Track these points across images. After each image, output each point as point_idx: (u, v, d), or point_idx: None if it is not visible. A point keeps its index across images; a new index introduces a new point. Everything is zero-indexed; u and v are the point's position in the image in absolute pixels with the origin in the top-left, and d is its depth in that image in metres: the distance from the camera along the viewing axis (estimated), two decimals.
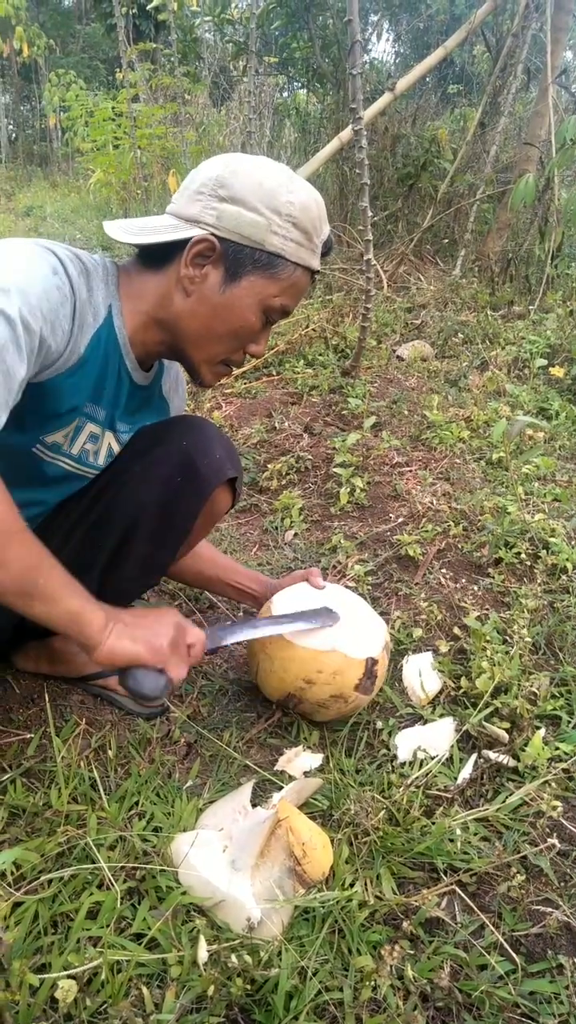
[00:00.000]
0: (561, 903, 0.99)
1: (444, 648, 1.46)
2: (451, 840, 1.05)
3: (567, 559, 1.69)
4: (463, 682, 1.36)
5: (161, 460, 1.14)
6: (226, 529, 2.01)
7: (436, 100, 6.38)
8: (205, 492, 1.17)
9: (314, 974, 0.86)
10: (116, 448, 1.14)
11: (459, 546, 1.84)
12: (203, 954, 0.84)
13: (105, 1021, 0.79)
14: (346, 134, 3.52)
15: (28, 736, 1.19)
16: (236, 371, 2.92)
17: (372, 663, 1.21)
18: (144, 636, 0.94)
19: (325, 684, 1.19)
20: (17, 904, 0.91)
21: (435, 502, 2.02)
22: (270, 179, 0.96)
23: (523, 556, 1.73)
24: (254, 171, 0.96)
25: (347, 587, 1.61)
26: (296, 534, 1.97)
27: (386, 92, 3.81)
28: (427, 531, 1.88)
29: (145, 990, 0.82)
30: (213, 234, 0.96)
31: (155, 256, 1.01)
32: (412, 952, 0.91)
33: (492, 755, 1.22)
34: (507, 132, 4.93)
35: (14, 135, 14.17)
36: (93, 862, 0.96)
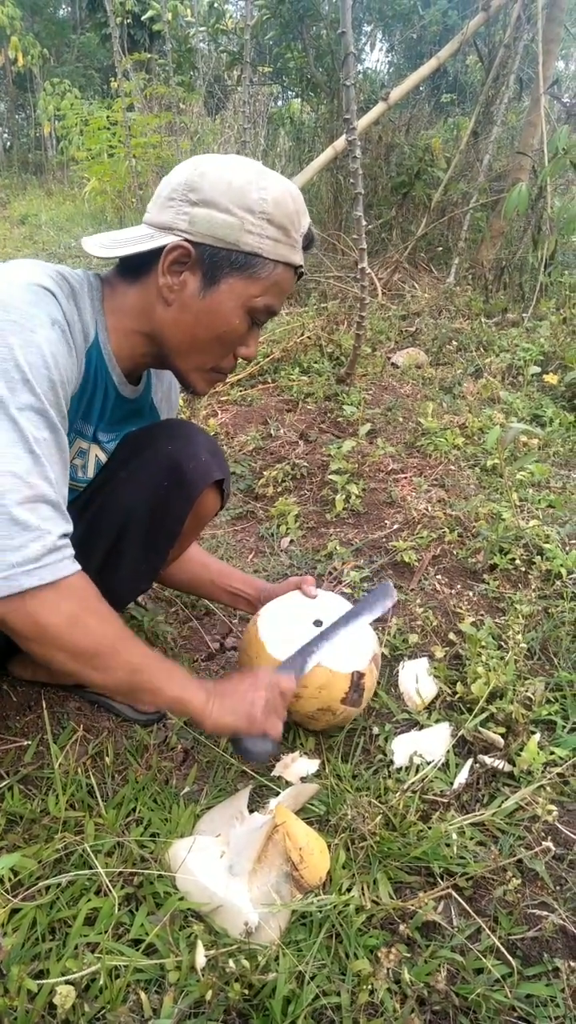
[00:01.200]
0: (557, 907, 0.99)
1: (440, 654, 1.47)
2: (447, 845, 1.06)
3: (561, 565, 1.70)
4: (459, 687, 1.37)
5: (147, 465, 1.14)
6: (222, 536, 2.01)
7: (429, 109, 6.42)
8: (192, 495, 1.17)
9: (312, 978, 0.87)
10: (103, 459, 1.15)
11: (454, 552, 1.85)
12: (201, 959, 0.84)
13: None
14: (340, 143, 3.55)
15: (25, 743, 1.20)
16: (231, 378, 2.94)
17: (358, 676, 1.21)
18: (241, 709, 1.03)
19: (311, 698, 1.20)
20: (15, 910, 0.91)
21: (430, 508, 2.03)
22: (239, 177, 0.94)
23: (518, 562, 1.74)
24: (223, 171, 0.94)
25: (343, 594, 1.62)
26: (292, 541, 1.98)
27: (380, 102, 3.84)
28: (422, 537, 1.89)
29: (143, 995, 0.82)
30: (187, 240, 0.94)
31: (133, 268, 1.00)
32: (409, 956, 0.92)
33: (488, 760, 1.23)
34: (500, 141, 4.97)
35: (9, 144, 14.20)
36: (91, 868, 0.96)
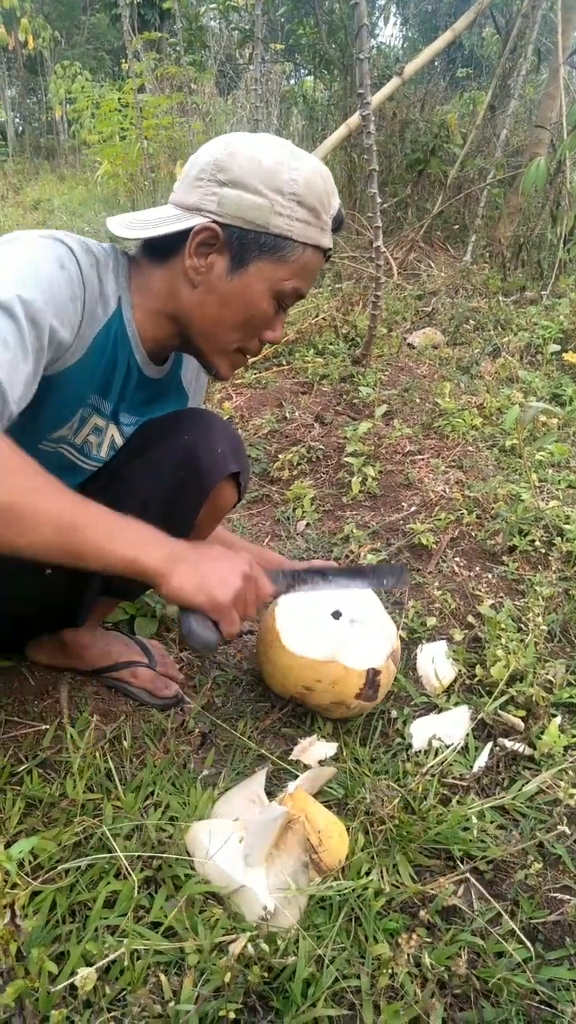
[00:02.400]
0: None
1: (458, 636, 1.45)
2: (467, 828, 1.05)
3: None
4: (478, 670, 1.36)
5: (163, 455, 1.12)
6: (237, 520, 2.00)
7: (445, 84, 6.31)
8: (207, 487, 1.14)
9: (331, 962, 0.86)
10: (119, 441, 1.13)
11: (472, 534, 1.83)
12: (237, 947, 0.83)
13: (124, 1008, 0.79)
14: (354, 120, 3.49)
15: (43, 727, 1.20)
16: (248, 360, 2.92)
17: (374, 673, 1.19)
18: (208, 585, 0.88)
19: (325, 692, 1.19)
20: (35, 893, 0.91)
21: (448, 490, 2.00)
22: (270, 157, 0.92)
23: (537, 543, 1.72)
24: (253, 150, 0.92)
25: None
26: (308, 524, 1.97)
27: (394, 77, 3.77)
28: (440, 519, 1.87)
29: (163, 978, 0.83)
30: (215, 221, 0.92)
31: (160, 249, 0.99)
32: (429, 940, 0.91)
33: (508, 743, 1.21)
34: (517, 115, 4.87)
35: (21, 128, 14.16)
36: (110, 851, 0.96)
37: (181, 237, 0.95)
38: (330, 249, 1.00)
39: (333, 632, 1.24)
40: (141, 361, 1.05)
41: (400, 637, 1.43)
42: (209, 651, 0.90)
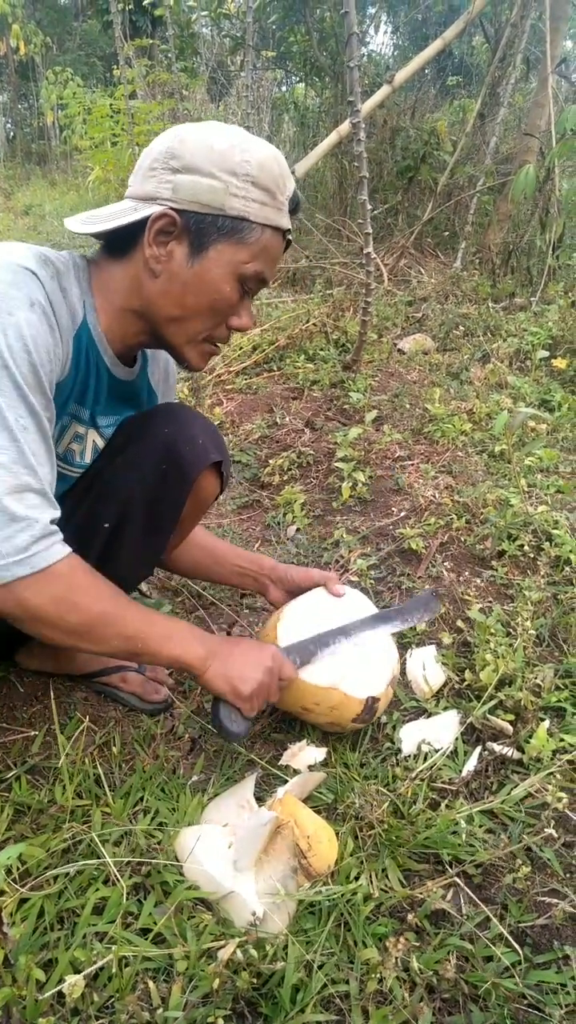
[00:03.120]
0: (568, 893, 0.99)
1: (448, 641, 1.46)
2: (455, 832, 1.05)
3: (570, 551, 1.68)
4: (467, 675, 1.36)
5: (144, 450, 1.13)
6: (228, 525, 2.01)
7: (435, 92, 6.35)
8: (190, 478, 1.15)
9: (320, 967, 0.86)
10: (100, 444, 1.14)
11: (462, 539, 1.83)
12: (225, 953, 0.83)
13: (112, 1016, 0.79)
14: (344, 127, 3.51)
15: (32, 733, 1.20)
16: (236, 367, 2.92)
17: (372, 701, 1.18)
18: (234, 681, 1.05)
19: (321, 715, 1.18)
20: (23, 900, 0.91)
21: (437, 495, 2.01)
22: (221, 141, 0.92)
23: (526, 548, 1.73)
24: (204, 136, 0.93)
25: (350, 582, 1.61)
26: (298, 529, 1.97)
27: (384, 85, 3.79)
28: (430, 524, 1.87)
29: (152, 984, 0.82)
30: (172, 208, 0.92)
31: (119, 244, 0.99)
32: (418, 944, 0.91)
33: (497, 747, 1.22)
34: (507, 123, 4.91)
35: (12, 134, 14.14)
36: (98, 858, 0.96)
37: (139, 229, 0.95)
38: (289, 231, 1.00)
39: (336, 658, 1.20)
40: (110, 363, 1.06)
41: None
42: (234, 741, 1.12)
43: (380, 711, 1.22)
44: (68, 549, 0.90)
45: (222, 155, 0.91)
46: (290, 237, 1.02)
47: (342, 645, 1.20)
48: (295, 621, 1.24)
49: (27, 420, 0.85)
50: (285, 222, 0.98)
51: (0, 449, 0.82)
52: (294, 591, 1.34)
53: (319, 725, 1.23)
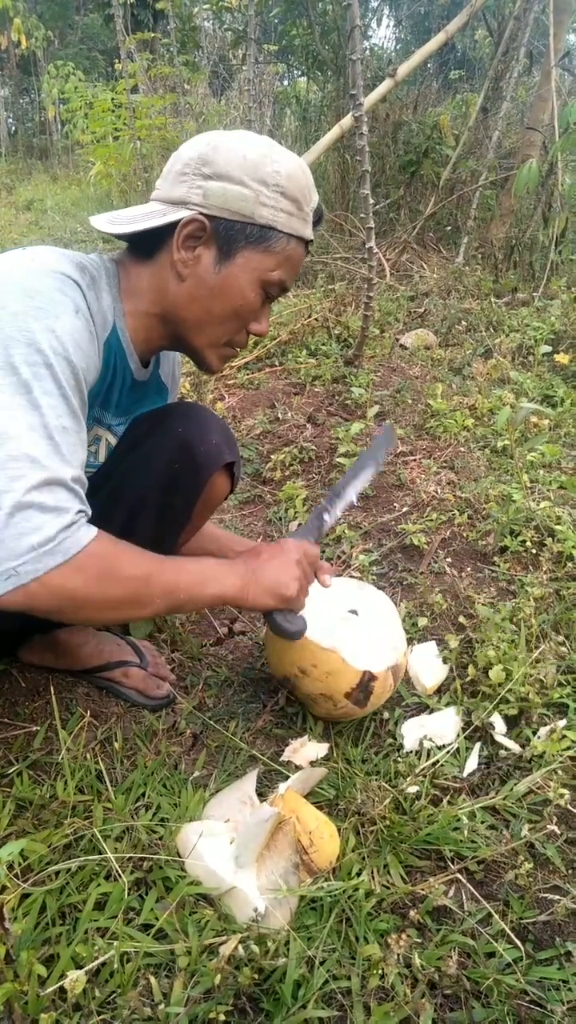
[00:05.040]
0: (570, 890, 0.99)
1: (450, 637, 1.46)
2: (457, 829, 1.05)
3: (573, 546, 1.68)
4: (469, 670, 1.36)
5: (158, 448, 1.14)
6: (230, 520, 2.00)
7: (438, 86, 6.32)
8: (203, 478, 1.16)
9: (322, 963, 0.86)
10: (113, 442, 1.14)
11: (464, 535, 1.83)
12: (227, 949, 0.83)
13: (114, 1011, 0.79)
14: (347, 121, 3.50)
15: (34, 729, 1.20)
16: (238, 362, 2.92)
17: (369, 677, 1.18)
18: (277, 589, 1.05)
19: (317, 680, 1.19)
20: (25, 895, 0.91)
21: (440, 491, 2.01)
22: (253, 151, 0.94)
23: (529, 544, 1.72)
24: (236, 145, 0.94)
25: (352, 577, 1.61)
26: (300, 524, 1.96)
27: (387, 78, 3.77)
28: (432, 520, 1.87)
29: (153, 980, 0.82)
30: (202, 213, 0.94)
31: (146, 246, 0.99)
32: (419, 940, 0.91)
33: (499, 741, 1.22)
34: (510, 117, 4.89)
35: (13, 128, 14.12)
36: (100, 853, 0.96)
37: (167, 232, 0.95)
38: (311, 241, 1.02)
39: (342, 624, 1.24)
40: (134, 368, 1.06)
41: None
42: (298, 638, 1.12)
43: (377, 697, 1.21)
44: (94, 529, 0.87)
45: (254, 165, 0.93)
46: (311, 247, 1.04)
47: (339, 504, 1.25)
48: (311, 590, 1.26)
49: (66, 420, 0.84)
50: (309, 232, 1.01)
51: (34, 444, 0.81)
52: None
53: (313, 701, 1.22)
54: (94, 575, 0.85)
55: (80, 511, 0.85)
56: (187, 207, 0.94)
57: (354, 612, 1.29)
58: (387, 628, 1.27)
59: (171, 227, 0.95)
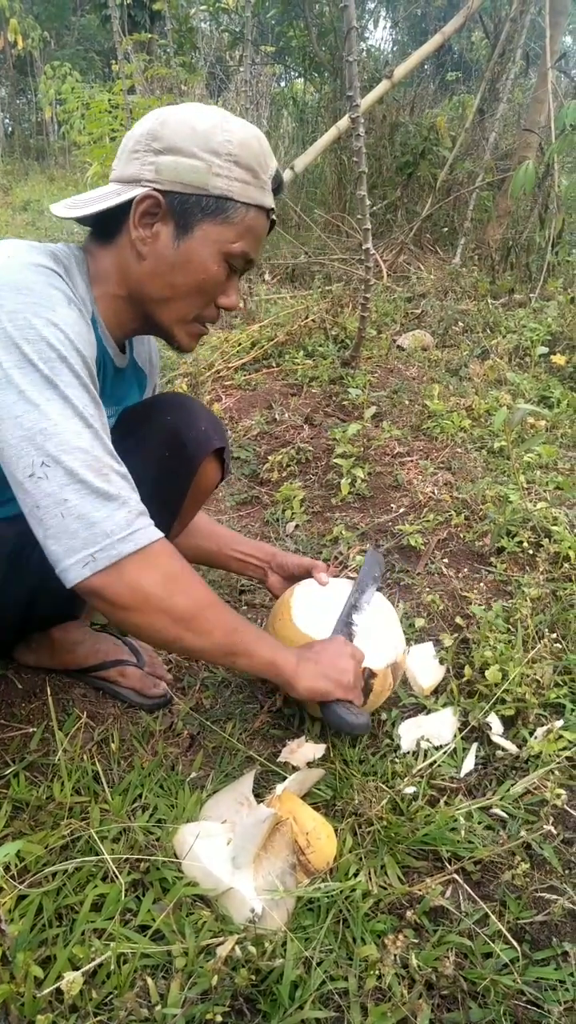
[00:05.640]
0: (566, 890, 0.99)
1: (446, 638, 1.46)
2: (454, 829, 1.05)
3: (570, 547, 1.68)
4: (466, 671, 1.36)
5: (148, 438, 1.14)
6: (227, 521, 2.00)
7: (434, 87, 6.33)
8: (193, 465, 1.17)
9: (319, 964, 0.86)
10: None
11: (461, 536, 1.83)
12: (224, 950, 0.83)
13: (111, 1012, 0.79)
14: (343, 123, 3.50)
15: (30, 730, 1.19)
16: (235, 362, 2.92)
17: (368, 675, 1.17)
18: (333, 675, 1.05)
19: None
20: (22, 897, 0.91)
21: (436, 492, 2.01)
22: (203, 121, 0.93)
23: (525, 545, 1.73)
24: (185, 117, 0.93)
25: (349, 578, 1.61)
26: (297, 526, 1.97)
27: (383, 80, 3.78)
28: (429, 521, 1.87)
29: (150, 981, 0.82)
30: (156, 189, 0.93)
31: (106, 228, 0.99)
32: (416, 941, 0.91)
33: (496, 742, 1.22)
34: (506, 119, 4.90)
35: (10, 129, 14.11)
36: (97, 854, 0.96)
37: (124, 212, 0.95)
38: (272, 209, 1.01)
39: (334, 621, 1.25)
40: (113, 354, 1.06)
41: None
42: (364, 732, 1.10)
43: (376, 695, 1.21)
44: (160, 531, 0.89)
45: (204, 135, 0.92)
46: (273, 217, 1.02)
47: (359, 617, 1.24)
48: (311, 590, 1.30)
49: (92, 409, 0.85)
50: (269, 201, 0.99)
51: (76, 434, 0.82)
52: (288, 578, 1.38)
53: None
54: (165, 577, 0.87)
55: (139, 499, 0.87)
56: (141, 184, 0.93)
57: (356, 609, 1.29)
58: (386, 627, 1.28)
59: (128, 206, 0.94)
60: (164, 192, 0.93)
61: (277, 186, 1.01)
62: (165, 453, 1.14)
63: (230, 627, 0.95)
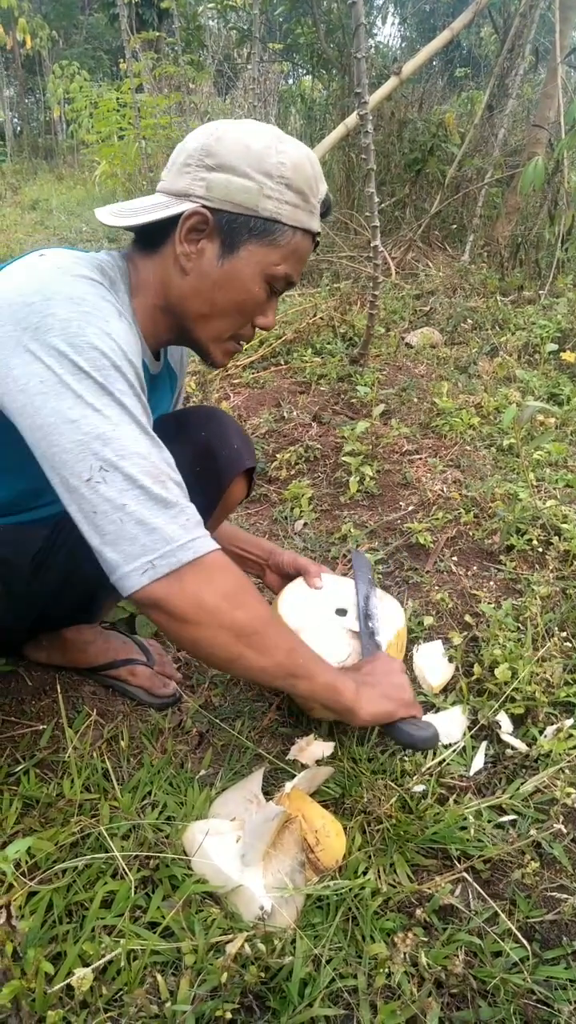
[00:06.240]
0: None
1: (456, 636, 1.45)
2: (464, 828, 1.05)
3: None
4: (476, 669, 1.36)
5: (180, 451, 1.13)
6: (235, 519, 2.00)
7: (443, 84, 6.31)
8: (224, 482, 1.17)
9: (328, 962, 0.86)
10: None
11: (470, 533, 1.83)
12: (233, 947, 0.83)
13: (121, 1009, 0.79)
14: (352, 120, 3.49)
15: (41, 727, 1.20)
16: (243, 360, 2.92)
17: None
18: (394, 694, 1.01)
19: None
20: (32, 893, 0.91)
21: (445, 489, 2.00)
22: (257, 141, 0.92)
23: (535, 543, 1.72)
24: (240, 135, 0.92)
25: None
26: (306, 524, 1.97)
27: (392, 76, 3.76)
28: (438, 519, 1.87)
29: (160, 978, 0.82)
30: (205, 206, 0.92)
31: (151, 238, 0.98)
32: (426, 939, 0.91)
33: (506, 740, 1.21)
34: (515, 115, 4.87)
35: (19, 128, 14.14)
36: (107, 852, 0.96)
37: (171, 225, 0.94)
38: (318, 234, 1.00)
39: (321, 617, 1.26)
40: (149, 363, 1.06)
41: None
42: (434, 746, 1.05)
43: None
44: (214, 541, 0.87)
45: (258, 155, 0.91)
46: (319, 239, 1.02)
47: (377, 624, 1.22)
48: (294, 605, 1.29)
49: (145, 418, 0.85)
50: (316, 225, 0.98)
51: (134, 440, 0.81)
52: (284, 577, 1.39)
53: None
54: (226, 588, 0.85)
55: (196, 510, 0.86)
56: (190, 199, 0.93)
57: (343, 611, 1.28)
58: (373, 623, 1.26)
59: (175, 219, 0.93)
60: (213, 210, 0.92)
61: (326, 210, 1.00)
62: (197, 468, 1.13)
63: (290, 646, 0.92)
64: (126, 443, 0.80)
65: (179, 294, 0.98)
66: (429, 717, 1.27)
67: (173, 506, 0.82)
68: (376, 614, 1.25)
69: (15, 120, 14.29)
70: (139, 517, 0.80)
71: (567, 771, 1.13)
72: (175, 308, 1.00)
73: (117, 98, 6.32)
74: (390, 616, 1.27)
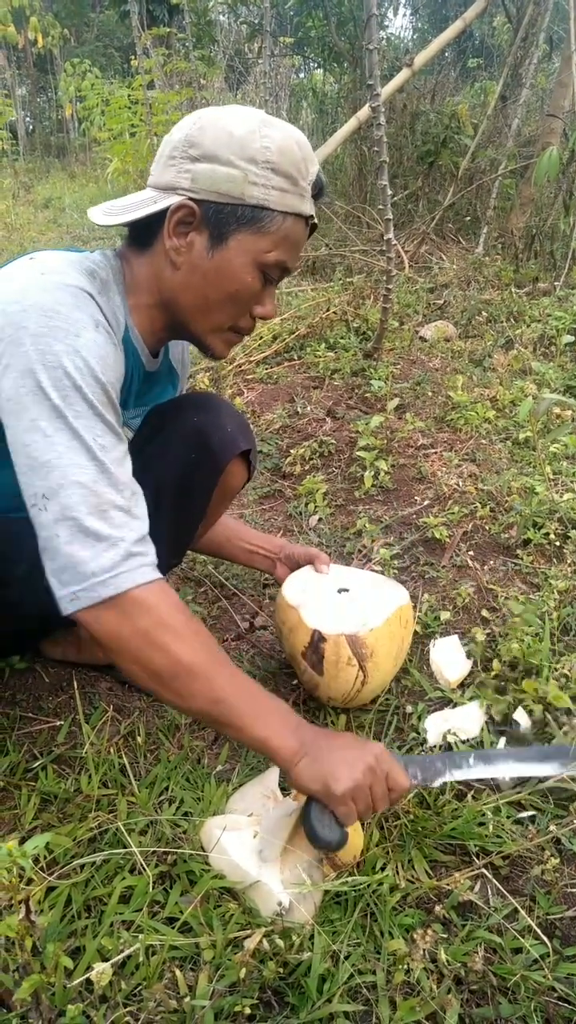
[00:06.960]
0: None
1: (472, 630, 1.44)
2: (482, 824, 1.04)
3: None
4: (494, 664, 1.35)
5: (174, 438, 1.14)
6: (250, 515, 2.00)
7: (455, 75, 6.26)
8: (219, 466, 1.16)
9: (346, 957, 0.86)
10: (129, 435, 1.15)
11: (486, 528, 1.81)
12: (251, 942, 0.83)
13: (140, 1003, 0.79)
14: (364, 113, 3.47)
15: (58, 723, 1.20)
16: (256, 356, 2.91)
17: (318, 637, 1.18)
18: (326, 778, 0.87)
19: (285, 638, 1.26)
20: (51, 889, 0.92)
21: (461, 484, 1.99)
22: (241, 127, 0.89)
23: (552, 537, 1.70)
24: (223, 122, 0.90)
25: (373, 571, 1.60)
26: (320, 519, 1.96)
27: (404, 68, 3.74)
28: (453, 513, 1.85)
29: (179, 973, 0.83)
30: (191, 198, 0.91)
31: (143, 235, 0.97)
32: (445, 936, 0.91)
33: (523, 735, 1.20)
34: (529, 104, 4.83)
35: (31, 127, 14.20)
36: (124, 847, 0.96)
37: (160, 220, 0.93)
38: (312, 216, 0.97)
39: (318, 592, 1.29)
40: (145, 361, 1.05)
41: (415, 631, 1.41)
42: (325, 849, 0.92)
43: (331, 665, 1.18)
44: (158, 575, 0.85)
45: (241, 142, 0.89)
46: (314, 222, 0.99)
47: (475, 768, 1.03)
48: (297, 585, 1.32)
49: (105, 439, 0.84)
50: (308, 208, 0.95)
51: (80, 469, 0.81)
52: (296, 569, 1.40)
53: (291, 660, 1.27)
54: (139, 629, 0.82)
55: (139, 539, 0.84)
56: (177, 192, 0.91)
57: (345, 590, 1.30)
58: (367, 606, 1.25)
59: (164, 214, 0.92)
60: (199, 201, 0.91)
61: (318, 191, 0.97)
62: (192, 455, 1.13)
63: (216, 696, 0.85)
64: (69, 471, 0.80)
65: (172, 289, 0.97)
66: (447, 712, 1.27)
67: (104, 539, 0.81)
68: (477, 771, 1.03)
69: (27, 119, 14.34)
70: (68, 550, 0.80)
71: None
72: (169, 303, 0.99)
73: (128, 95, 6.31)
74: (391, 595, 1.28)
